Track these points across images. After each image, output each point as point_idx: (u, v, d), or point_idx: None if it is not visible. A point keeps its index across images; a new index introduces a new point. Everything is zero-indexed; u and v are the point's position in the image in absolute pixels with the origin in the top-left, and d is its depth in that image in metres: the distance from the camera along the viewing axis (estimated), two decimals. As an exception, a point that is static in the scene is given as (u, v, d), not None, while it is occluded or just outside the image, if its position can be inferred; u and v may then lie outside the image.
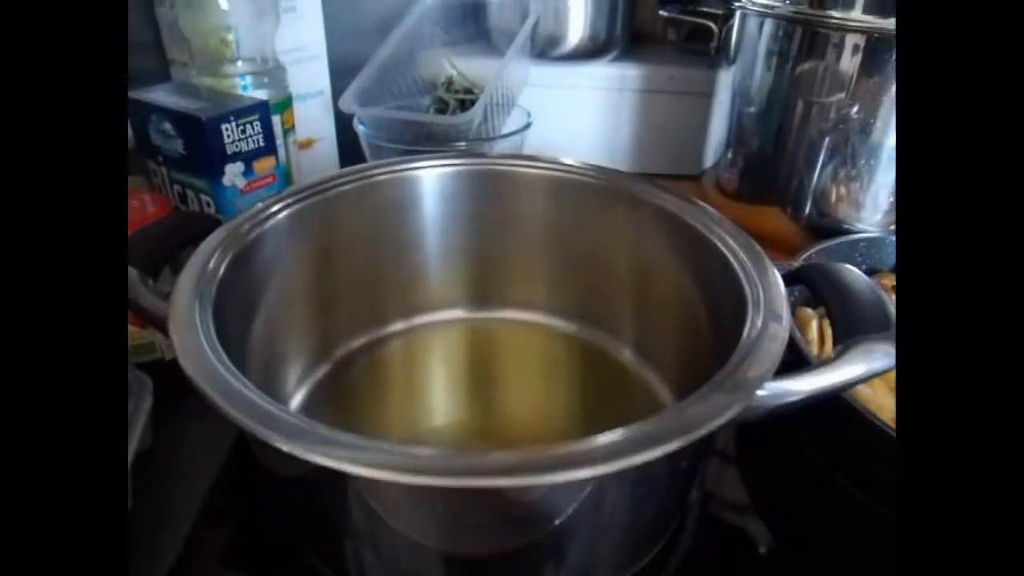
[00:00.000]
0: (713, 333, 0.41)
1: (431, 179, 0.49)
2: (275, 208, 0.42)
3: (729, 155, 0.70)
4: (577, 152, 0.82)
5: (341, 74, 0.71)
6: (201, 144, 0.49)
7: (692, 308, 0.44)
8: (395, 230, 0.50)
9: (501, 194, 0.50)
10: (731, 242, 0.40)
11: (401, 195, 0.49)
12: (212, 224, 0.43)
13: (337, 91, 0.71)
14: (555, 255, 0.51)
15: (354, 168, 0.47)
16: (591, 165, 0.48)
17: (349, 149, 0.72)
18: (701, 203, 0.44)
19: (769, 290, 0.36)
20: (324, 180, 0.46)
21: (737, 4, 0.65)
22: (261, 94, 0.58)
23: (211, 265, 0.37)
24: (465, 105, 0.71)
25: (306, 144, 0.72)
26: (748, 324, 0.34)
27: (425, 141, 0.67)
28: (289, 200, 0.43)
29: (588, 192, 0.48)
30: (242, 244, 0.39)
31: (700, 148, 0.76)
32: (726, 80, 0.69)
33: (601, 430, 0.26)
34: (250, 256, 0.40)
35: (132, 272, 0.37)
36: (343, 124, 0.71)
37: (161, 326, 0.34)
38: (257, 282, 0.41)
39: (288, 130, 0.62)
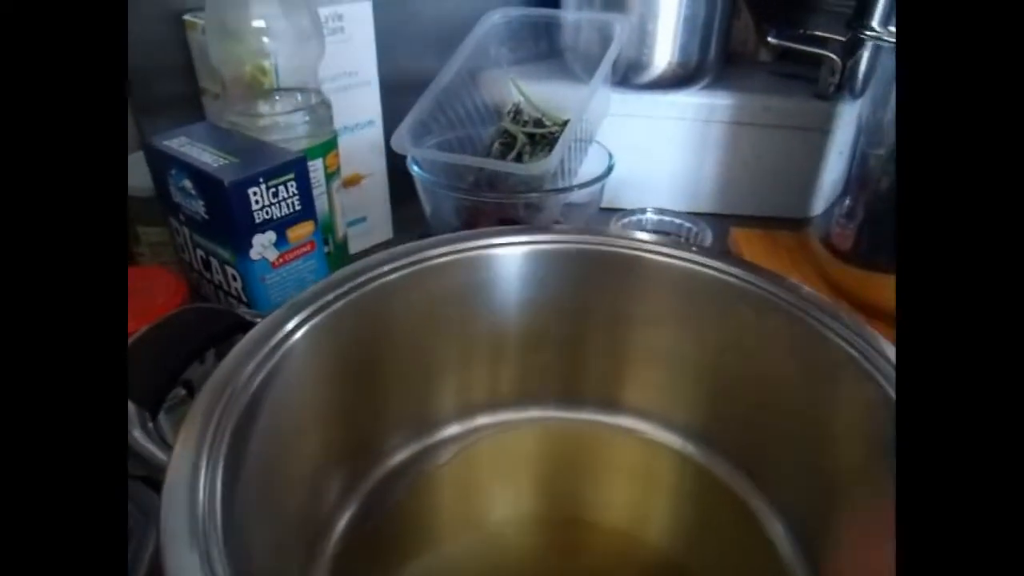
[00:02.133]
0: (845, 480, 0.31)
1: (514, 260, 0.40)
2: (305, 314, 0.33)
3: (847, 203, 0.59)
4: (658, 191, 0.72)
5: (394, 98, 0.62)
6: (224, 210, 0.40)
7: (830, 456, 0.34)
8: (458, 319, 0.41)
9: (607, 280, 0.41)
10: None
11: (469, 279, 0.40)
12: (231, 323, 0.34)
13: (390, 119, 0.62)
14: (674, 358, 0.42)
15: (405, 249, 0.38)
16: (732, 259, 0.39)
17: (402, 185, 0.63)
18: (869, 330, 0.34)
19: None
20: (368, 267, 0.37)
21: (868, 34, 0.54)
22: (302, 134, 0.50)
23: (223, 402, 0.28)
24: (535, 139, 0.61)
25: (353, 181, 0.63)
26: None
27: (488, 187, 0.58)
28: (324, 299, 0.34)
29: (724, 292, 0.38)
30: (264, 370, 0.31)
31: (806, 191, 0.65)
32: (849, 114, 0.58)
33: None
34: (273, 382, 0.31)
35: (129, 407, 0.29)
36: (396, 155, 0.63)
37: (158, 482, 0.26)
38: (283, 407, 0.32)
39: (332, 174, 0.53)
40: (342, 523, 0.38)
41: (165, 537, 0.23)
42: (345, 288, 0.35)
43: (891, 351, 0.33)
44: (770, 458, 0.39)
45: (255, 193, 0.40)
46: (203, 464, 0.26)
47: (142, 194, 0.50)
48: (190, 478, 0.25)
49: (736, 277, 0.38)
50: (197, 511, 0.24)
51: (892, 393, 0.31)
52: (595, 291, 0.41)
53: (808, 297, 0.36)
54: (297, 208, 0.43)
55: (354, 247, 0.62)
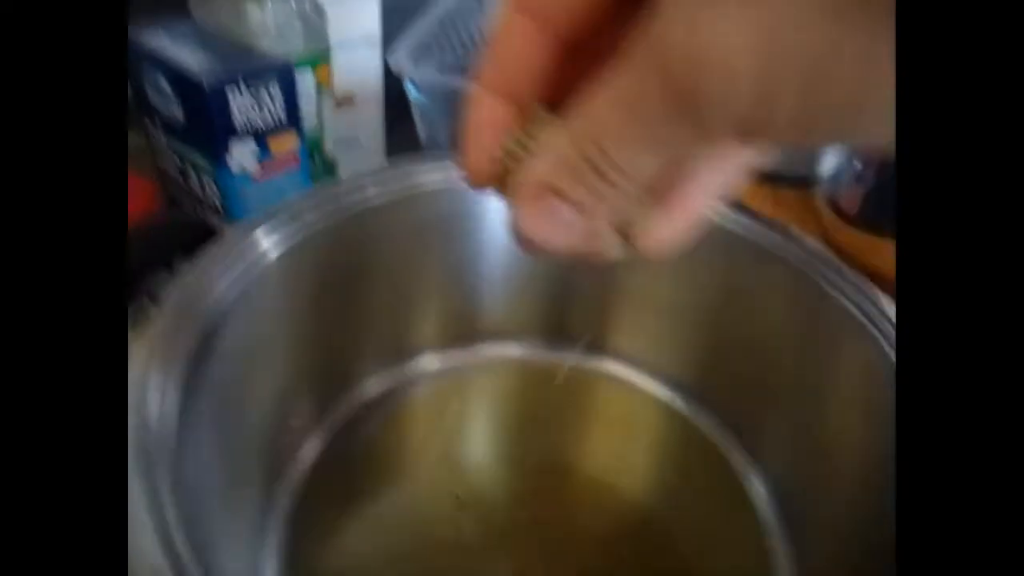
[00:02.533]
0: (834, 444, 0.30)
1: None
2: (282, 230, 0.31)
3: (857, 167, 0.57)
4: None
5: (395, 16, 0.59)
6: (202, 114, 0.38)
7: (821, 417, 0.33)
8: (443, 247, 0.39)
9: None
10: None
11: (458, 207, 0.37)
12: (203, 233, 0.32)
13: (389, 37, 0.58)
14: (670, 306, 0.40)
15: (393, 172, 0.36)
16: (736, 207, 0.36)
17: (399, 109, 0.60)
18: (873, 289, 0.32)
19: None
20: (353, 187, 0.34)
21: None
22: (292, 43, 0.47)
23: (185, 315, 0.26)
24: (539, 71, 0.58)
25: (346, 101, 0.60)
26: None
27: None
28: (303, 216, 0.32)
29: (720, 239, 0.36)
30: (235, 286, 0.29)
31: (813, 152, 0.63)
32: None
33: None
34: (242, 299, 0.29)
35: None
36: (393, 78, 0.59)
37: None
38: (252, 326, 0.30)
39: (322, 89, 0.50)
40: (308, 453, 0.36)
41: None
42: (327, 205, 0.33)
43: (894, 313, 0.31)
44: (758, 416, 0.38)
45: (235, 97, 0.38)
46: (154, 379, 0.24)
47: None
48: (140, 395, 0.24)
49: (740, 226, 0.36)
50: (146, 434, 0.22)
51: (893, 356, 0.30)
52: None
53: (812, 251, 0.34)
54: (281, 118, 0.40)
55: (344, 171, 0.59)
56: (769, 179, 0.69)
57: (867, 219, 0.57)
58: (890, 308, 0.32)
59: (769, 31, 0.12)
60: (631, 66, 0.14)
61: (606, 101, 0.15)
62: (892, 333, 0.30)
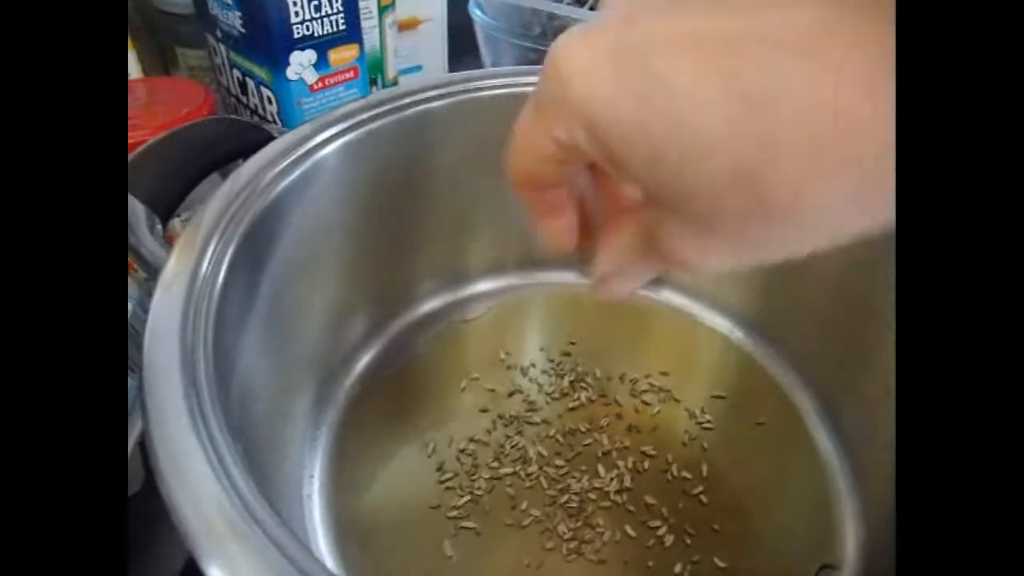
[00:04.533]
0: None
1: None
2: (337, 129, 0.30)
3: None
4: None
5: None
6: (261, 21, 0.37)
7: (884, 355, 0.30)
8: (500, 165, 0.37)
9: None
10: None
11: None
12: (261, 138, 0.32)
13: (455, -40, 0.57)
14: None
15: (454, 78, 0.34)
16: None
17: (462, 36, 0.58)
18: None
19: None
20: (411, 91, 0.33)
21: None
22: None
23: (235, 209, 0.26)
24: (611, -4, 0.55)
25: (409, 25, 0.58)
26: None
27: (555, 38, 0.53)
28: (359, 118, 0.31)
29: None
30: (287, 180, 0.28)
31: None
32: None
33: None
34: (295, 196, 0.28)
35: (136, 206, 0.27)
36: (457, 3, 0.58)
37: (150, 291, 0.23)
38: (305, 227, 0.30)
39: (385, 8, 0.49)
40: (360, 366, 0.36)
41: (147, 368, 0.20)
42: (385, 108, 0.32)
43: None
44: (823, 356, 0.36)
45: (295, 3, 0.36)
46: (204, 271, 0.24)
47: (182, 10, 0.46)
48: (187, 285, 0.23)
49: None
50: (188, 330, 0.21)
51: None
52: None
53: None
54: (341, 28, 0.39)
55: (405, 97, 0.58)
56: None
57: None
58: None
59: None
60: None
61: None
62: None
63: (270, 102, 0.40)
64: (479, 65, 0.57)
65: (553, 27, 0.53)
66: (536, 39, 0.52)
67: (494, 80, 0.34)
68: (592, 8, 0.52)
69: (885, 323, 0.32)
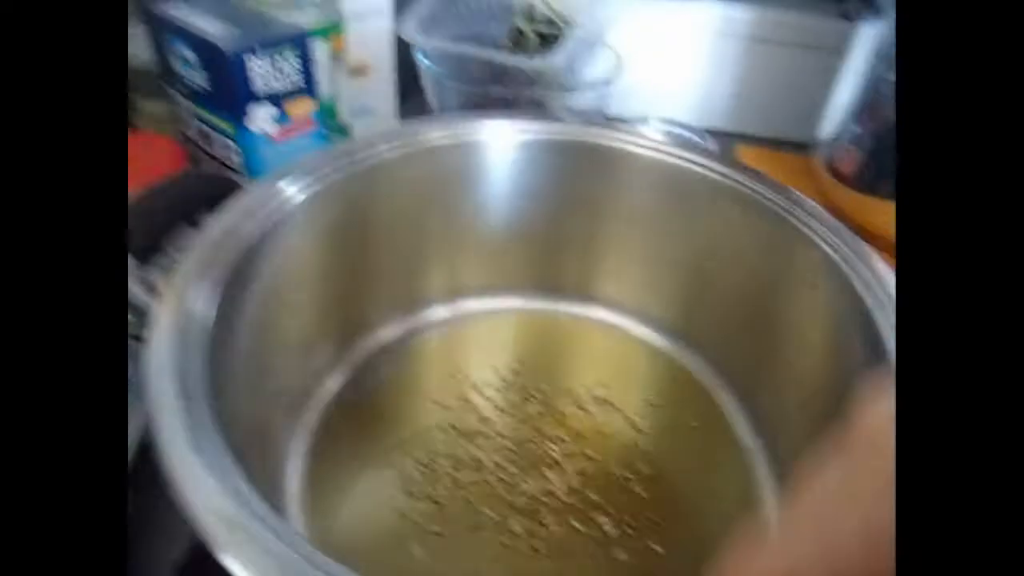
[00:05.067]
0: (837, 402, 0.32)
1: (507, 147, 0.40)
2: (304, 180, 0.34)
3: (855, 129, 0.59)
4: (667, 103, 0.71)
5: (406, -11, 0.61)
6: (224, 80, 0.40)
7: (814, 363, 0.35)
8: (448, 202, 0.41)
9: (594, 172, 0.41)
10: (881, 294, 0.31)
11: (461, 163, 0.40)
12: (229, 190, 0.35)
13: (400, 9, 0.61)
14: (654, 254, 0.43)
15: (402, 129, 0.38)
16: (714, 155, 0.39)
17: (411, 78, 0.62)
18: (853, 237, 0.34)
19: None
20: (365, 143, 0.37)
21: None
22: (308, 15, 0.49)
23: (215, 254, 0.29)
24: (546, 40, 0.60)
25: (360, 71, 0.62)
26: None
27: (495, 82, 0.57)
28: (321, 169, 0.35)
29: (706, 189, 0.38)
30: (261, 226, 0.31)
31: (814, 114, 0.65)
32: (867, 37, 0.57)
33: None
34: (269, 241, 0.32)
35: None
36: (404, 48, 0.62)
37: (137, 332, 0.27)
38: (277, 268, 0.33)
39: (337, 58, 0.53)
40: (328, 390, 0.39)
41: (153, 399, 0.23)
42: (342, 160, 0.36)
43: (871, 257, 0.33)
44: (740, 354, 0.41)
45: (255, 63, 0.40)
46: (193, 309, 0.27)
47: (143, 66, 0.49)
48: (179, 323, 0.26)
49: (721, 174, 0.38)
50: (183, 361, 0.25)
51: (867, 300, 0.32)
52: (581, 183, 0.41)
53: (792, 197, 0.36)
54: (298, 83, 0.43)
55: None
56: (768, 142, 0.71)
57: (864, 181, 0.59)
58: (869, 253, 0.34)
59: None
60: None
61: None
62: (866, 273, 0.33)
63: (235, 153, 0.43)
64: (426, 103, 0.61)
65: (493, 71, 0.57)
66: (477, 83, 0.56)
67: (437, 131, 0.38)
68: (529, 53, 0.57)
69: (789, 328, 0.37)
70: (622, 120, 0.64)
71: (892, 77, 0.54)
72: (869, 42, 0.57)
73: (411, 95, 0.63)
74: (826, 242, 0.35)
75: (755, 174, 0.38)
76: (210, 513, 0.20)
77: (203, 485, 0.21)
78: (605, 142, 0.40)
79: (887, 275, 0.32)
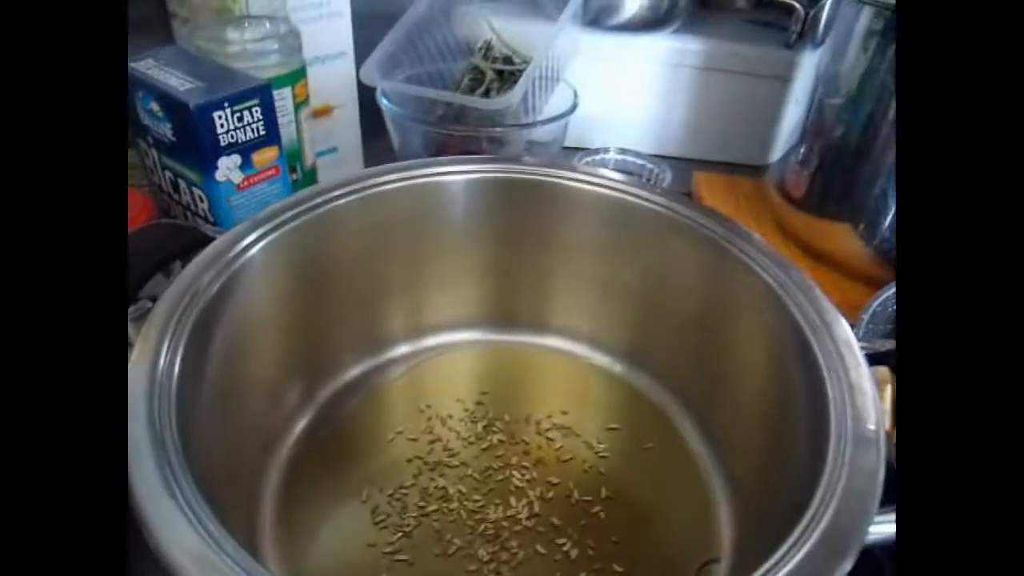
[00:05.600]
0: (782, 418, 0.34)
1: (457, 188, 0.42)
2: (263, 230, 0.36)
3: (801, 151, 0.61)
4: (624, 132, 0.74)
5: (366, 31, 0.63)
6: (190, 133, 0.42)
7: (760, 384, 0.37)
8: (405, 243, 0.43)
9: (544, 209, 0.43)
10: (817, 320, 0.33)
11: (416, 205, 0.42)
12: (195, 239, 0.37)
13: (361, 51, 0.63)
14: (604, 284, 0.45)
15: (359, 175, 0.40)
16: (656, 189, 0.41)
17: (374, 118, 0.64)
18: (793, 266, 0.36)
19: (857, 398, 0.29)
20: (323, 191, 0.39)
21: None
22: (271, 62, 0.51)
23: (182, 307, 0.31)
24: (504, 76, 0.62)
25: (323, 112, 0.64)
26: (832, 445, 0.27)
27: (454, 122, 0.59)
28: (281, 218, 0.37)
29: (651, 221, 0.41)
30: (223, 279, 0.33)
31: (766, 138, 0.67)
32: (809, 63, 0.59)
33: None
34: (231, 291, 0.33)
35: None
36: (367, 89, 0.64)
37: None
38: (241, 316, 0.35)
39: (301, 104, 0.55)
40: (297, 430, 0.41)
41: (130, 446, 0.25)
42: (300, 208, 0.37)
43: (809, 286, 0.35)
44: (693, 377, 0.43)
45: (220, 117, 0.42)
46: (162, 361, 0.29)
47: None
48: (149, 374, 0.28)
49: (667, 208, 0.40)
50: (155, 411, 0.26)
51: (803, 324, 0.34)
52: (532, 219, 0.44)
53: (736, 230, 0.39)
54: (261, 133, 0.44)
55: (324, 177, 0.63)
56: (723, 166, 0.73)
57: (812, 202, 0.61)
58: (805, 279, 0.36)
59: None
60: None
61: None
62: (803, 300, 0.35)
63: (201, 200, 0.45)
64: (390, 141, 0.63)
65: (452, 111, 0.59)
66: (437, 123, 0.59)
67: (391, 175, 0.40)
68: (485, 95, 0.59)
69: (735, 349, 0.39)
70: (581, 150, 0.67)
71: (833, 100, 0.57)
72: (811, 68, 0.59)
73: (377, 132, 0.65)
74: (767, 272, 0.37)
75: (700, 208, 0.40)
76: (182, 553, 0.21)
77: (175, 526, 0.22)
78: (556, 179, 0.42)
79: (823, 301, 0.34)
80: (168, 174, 0.47)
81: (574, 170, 0.42)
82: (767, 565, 0.24)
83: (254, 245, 0.35)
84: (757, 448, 0.37)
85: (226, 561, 0.21)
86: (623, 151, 0.65)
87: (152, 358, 0.28)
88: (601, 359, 0.47)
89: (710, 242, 0.39)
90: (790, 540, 0.24)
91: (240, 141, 0.44)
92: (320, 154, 0.63)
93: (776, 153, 0.66)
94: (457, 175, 0.42)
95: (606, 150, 0.65)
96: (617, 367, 0.46)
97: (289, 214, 0.37)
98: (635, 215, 0.41)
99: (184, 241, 0.37)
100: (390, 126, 0.61)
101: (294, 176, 0.56)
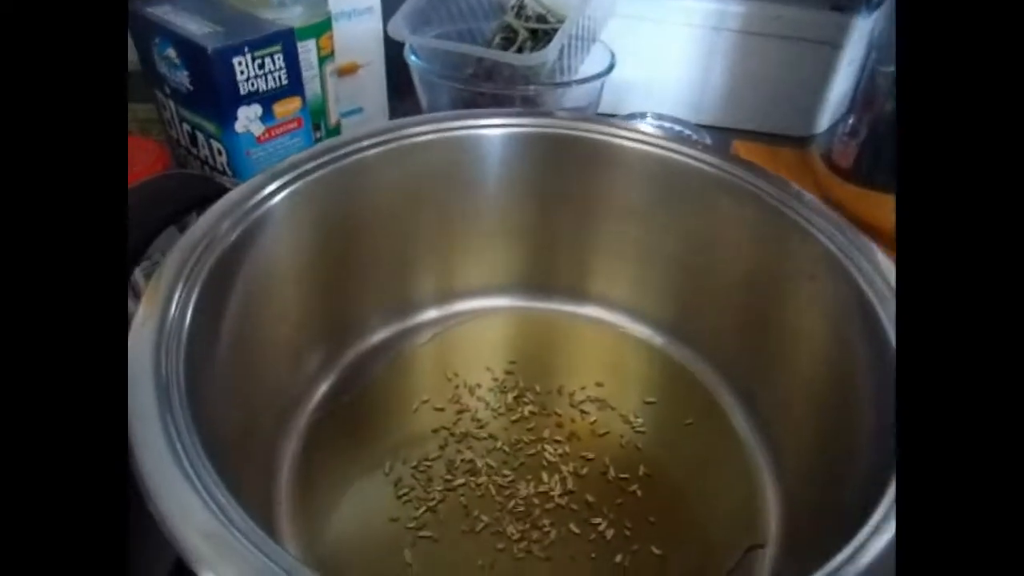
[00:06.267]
0: (841, 398, 0.32)
1: (494, 143, 0.39)
2: (284, 180, 0.33)
3: (851, 121, 0.58)
4: (660, 99, 0.70)
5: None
6: (208, 80, 0.40)
7: (816, 359, 0.35)
8: (437, 200, 0.41)
9: (585, 167, 0.40)
10: (885, 289, 0.30)
11: (449, 160, 0.40)
12: (212, 190, 0.34)
13: (389, 7, 0.60)
14: (647, 249, 0.42)
15: (388, 126, 0.38)
16: (707, 147, 0.38)
17: (401, 77, 0.61)
18: (852, 229, 0.33)
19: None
20: (349, 141, 0.36)
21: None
22: (295, 14, 0.48)
23: (195, 258, 0.29)
24: (537, 36, 0.59)
25: (349, 70, 0.61)
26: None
27: (487, 79, 0.57)
28: (304, 168, 0.34)
29: (699, 181, 0.38)
30: (240, 229, 0.31)
31: (811, 108, 0.64)
32: (862, 28, 0.56)
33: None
34: (250, 243, 0.31)
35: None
36: (395, 47, 0.61)
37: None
38: (260, 271, 0.33)
39: (325, 57, 0.52)
40: (318, 395, 0.39)
41: (129, 405, 0.22)
42: (325, 159, 0.35)
43: (871, 249, 0.33)
44: (740, 351, 0.40)
45: (240, 63, 0.39)
46: (171, 316, 0.26)
47: (129, 67, 0.49)
48: (157, 329, 0.26)
49: (714, 167, 0.37)
50: (162, 369, 0.24)
51: (868, 292, 0.31)
52: (571, 178, 0.41)
53: (788, 190, 0.36)
54: (283, 82, 0.42)
55: (348, 138, 0.61)
56: (763, 137, 0.70)
57: (862, 173, 0.58)
58: (868, 244, 0.33)
59: None
60: None
61: None
62: (866, 265, 0.32)
63: (220, 153, 0.43)
64: (417, 103, 0.60)
65: (484, 68, 0.56)
66: (468, 80, 0.56)
67: (423, 127, 0.38)
68: (520, 50, 0.56)
69: (787, 321, 0.37)
70: (616, 116, 0.64)
71: (888, 68, 0.54)
72: (864, 34, 0.56)
73: (404, 94, 0.62)
74: (824, 234, 0.34)
75: (750, 166, 0.37)
76: (189, 526, 0.19)
77: (182, 497, 0.20)
78: (597, 136, 0.39)
79: (888, 267, 0.32)
80: (186, 127, 0.44)
81: (618, 126, 0.39)
82: (834, 563, 0.21)
83: (275, 195, 0.33)
84: (811, 430, 0.35)
85: (236, 536, 0.19)
86: (660, 117, 0.62)
87: (161, 312, 0.26)
88: (641, 330, 0.44)
89: (763, 203, 0.36)
90: (858, 539, 0.21)
91: (261, 90, 0.41)
92: (345, 115, 0.60)
93: (822, 123, 0.63)
94: (495, 128, 0.39)
95: (643, 115, 0.62)
96: (658, 339, 0.43)
97: (312, 164, 0.35)
98: (683, 175, 0.38)
99: (199, 192, 0.35)
100: (418, 85, 0.58)
101: (318, 134, 0.53)
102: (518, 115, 0.39)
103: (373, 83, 0.64)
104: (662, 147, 0.38)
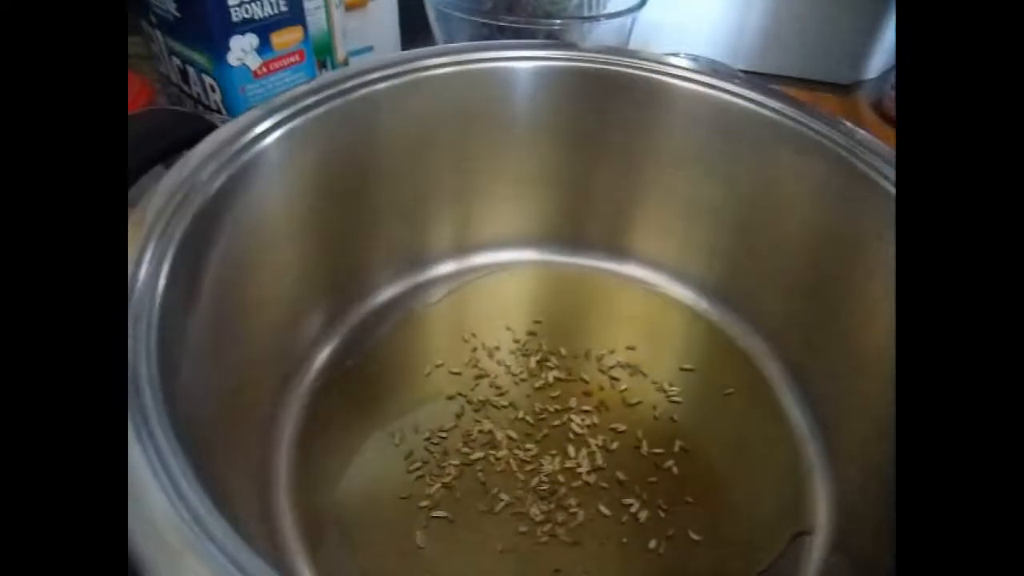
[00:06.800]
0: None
1: (521, 78, 0.35)
2: (281, 116, 0.29)
3: (904, 66, 0.53)
4: (693, 41, 0.65)
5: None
6: (199, 7, 0.35)
7: (880, 333, 0.30)
8: (455, 141, 0.37)
9: (625, 108, 0.36)
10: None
11: (470, 96, 0.35)
12: (199, 129, 0.30)
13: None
14: (694, 203, 0.38)
15: (401, 56, 0.33)
16: (773, 91, 0.33)
17: (412, 16, 0.57)
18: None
19: None
20: (357, 73, 0.32)
21: None
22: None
23: (171, 209, 0.25)
24: (562, -33, 0.55)
25: (358, 3, 0.57)
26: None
27: (507, 13, 0.52)
28: (304, 103, 0.30)
29: (757, 128, 0.33)
30: (227, 174, 0.27)
31: (859, 54, 0.59)
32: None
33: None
34: (240, 190, 0.27)
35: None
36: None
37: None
38: (252, 221, 0.29)
39: (331, -13, 0.47)
40: (320, 360, 0.35)
41: None
42: (328, 93, 0.31)
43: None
44: (792, 318, 0.36)
45: (232, -15, 0.35)
46: (142, 274, 0.22)
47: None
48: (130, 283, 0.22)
49: (776, 112, 0.33)
50: (128, 343, 0.20)
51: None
52: (612, 120, 0.36)
53: (855, 136, 0.31)
54: (282, 9, 0.37)
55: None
56: (803, 83, 0.65)
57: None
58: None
59: None
60: None
61: None
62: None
63: (213, 90, 0.39)
64: (432, 42, 0.56)
65: (505, 1, 0.52)
66: (487, 14, 0.51)
67: (440, 58, 0.33)
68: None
69: (849, 287, 0.32)
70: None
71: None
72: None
73: (416, 30, 0.58)
74: (894, 185, 0.30)
75: (809, 109, 0.33)
76: (146, 524, 0.16)
77: (144, 491, 0.16)
78: (637, 72, 0.35)
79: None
80: (176, 60, 0.40)
81: (665, 62, 0.35)
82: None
83: (269, 134, 0.29)
84: (868, 410, 0.31)
85: (206, 542, 0.16)
86: (695, 58, 0.57)
87: (130, 271, 0.22)
88: (682, 292, 0.40)
89: (830, 154, 0.32)
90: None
91: (257, 17, 0.37)
92: (353, 54, 0.56)
93: (872, 70, 0.58)
94: (523, 61, 0.34)
95: (676, 55, 0.57)
96: (701, 302, 0.39)
97: (314, 99, 0.30)
98: (739, 119, 0.34)
99: (186, 130, 0.31)
100: (433, 22, 0.54)
101: (323, 72, 0.49)
102: (550, 47, 0.35)
103: (384, 18, 0.59)
104: (713, 86, 0.34)
